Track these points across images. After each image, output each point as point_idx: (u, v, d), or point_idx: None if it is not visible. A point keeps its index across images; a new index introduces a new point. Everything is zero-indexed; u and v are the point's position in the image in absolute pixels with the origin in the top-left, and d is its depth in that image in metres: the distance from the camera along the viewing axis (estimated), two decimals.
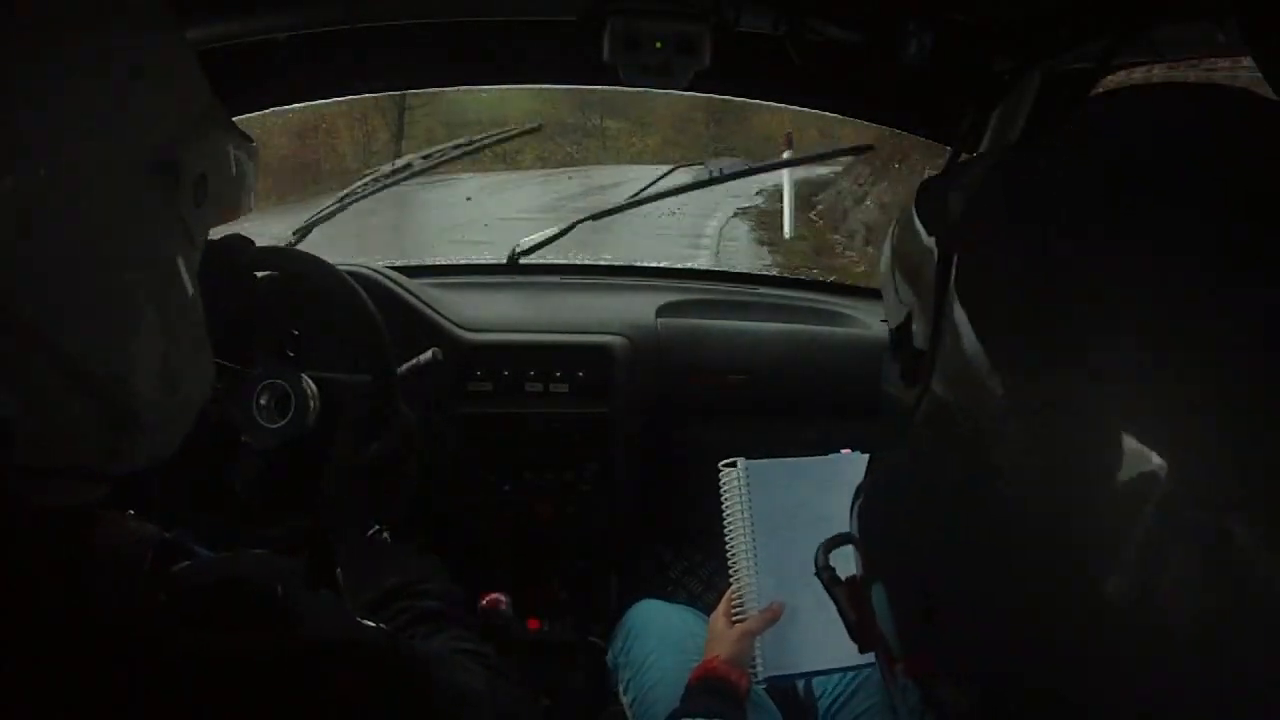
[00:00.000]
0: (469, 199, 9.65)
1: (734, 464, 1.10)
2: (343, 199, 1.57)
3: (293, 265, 1.05)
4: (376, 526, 0.95)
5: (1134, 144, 0.39)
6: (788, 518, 1.07)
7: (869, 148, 1.88)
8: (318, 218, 1.55)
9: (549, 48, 1.31)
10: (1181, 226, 0.34)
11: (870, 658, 0.54)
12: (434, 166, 1.60)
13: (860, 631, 0.49)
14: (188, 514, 1.03)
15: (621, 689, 1.17)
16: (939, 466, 0.40)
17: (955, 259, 0.40)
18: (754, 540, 1.07)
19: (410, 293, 1.45)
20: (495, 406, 1.46)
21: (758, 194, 10.46)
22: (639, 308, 1.59)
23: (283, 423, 1.07)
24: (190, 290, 0.50)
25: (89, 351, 0.44)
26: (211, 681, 0.43)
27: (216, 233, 0.56)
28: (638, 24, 1.05)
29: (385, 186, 1.57)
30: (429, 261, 1.82)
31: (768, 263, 7.51)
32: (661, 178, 1.73)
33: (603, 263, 1.96)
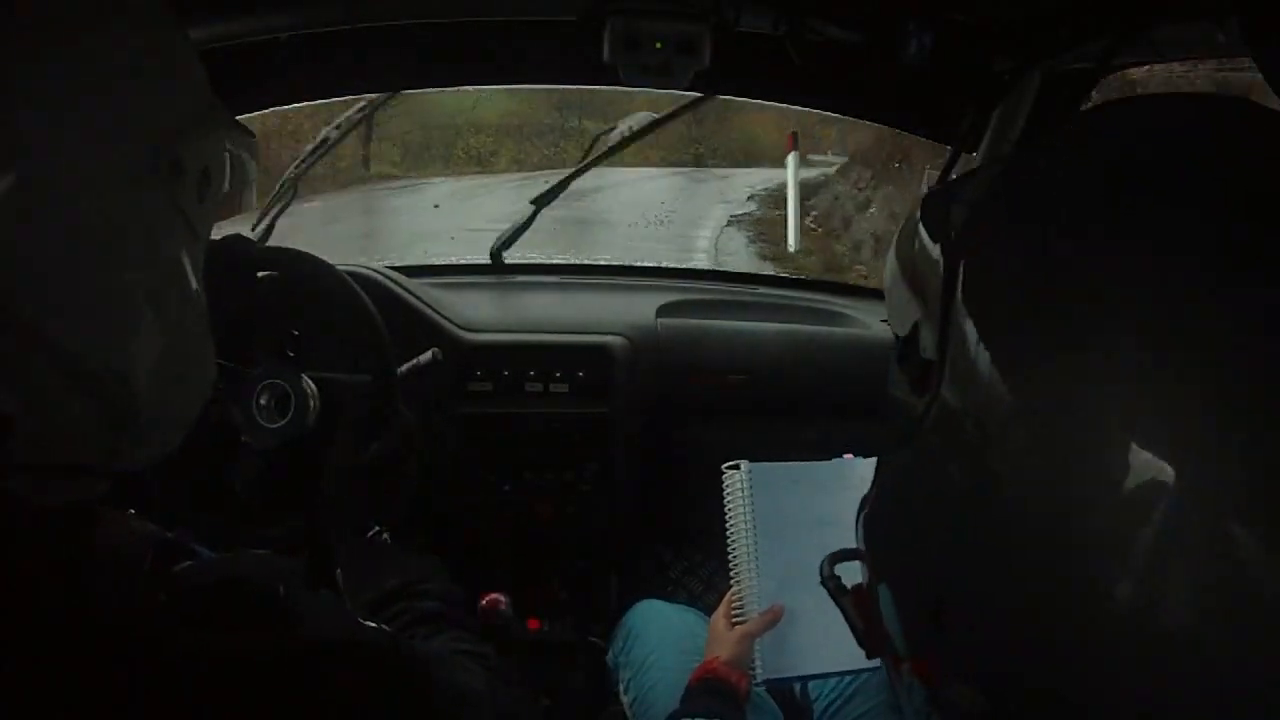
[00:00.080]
0: (437, 206, 9.20)
1: (737, 466, 1.10)
2: (282, 184, 1.58)
3: (294, 265, 1.05)
4: (376, 527, 0.95)
5: (1134, 147, 0.39)
6: (790, 521, 1.07)
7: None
8: (274, 209, 1.56)
9: (549, 48, 1.31)
10: (1182, 229, 0.35)
11: (869, 663, 0.54)
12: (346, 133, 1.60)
13: (868, 638, 0.49)
14: (188, 513, 1.03)
15: (621, 689, 1.17)
16: (948, 471, 0.40)
17: (961, 267, 0.40)
18: (756, 542, 1.07)
19: (410, 293, 1.45)
20: (495, 406, 1.46)
21: (749, 199, 10.10)
22: (639, 308, 1.59)
23: (283, 423, 1.07)
24: (194, 286, 0.50)
25: (89, 349, 0.44)
26: (212, 681, 0.43)
27: (218, 230, 0.57)
28: (638, 24, 1.05)
29: (319, 156, 1.57)
30: (429, 262, 1.82)
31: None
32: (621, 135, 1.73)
33: (602, 263, 1.96)
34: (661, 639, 1.16)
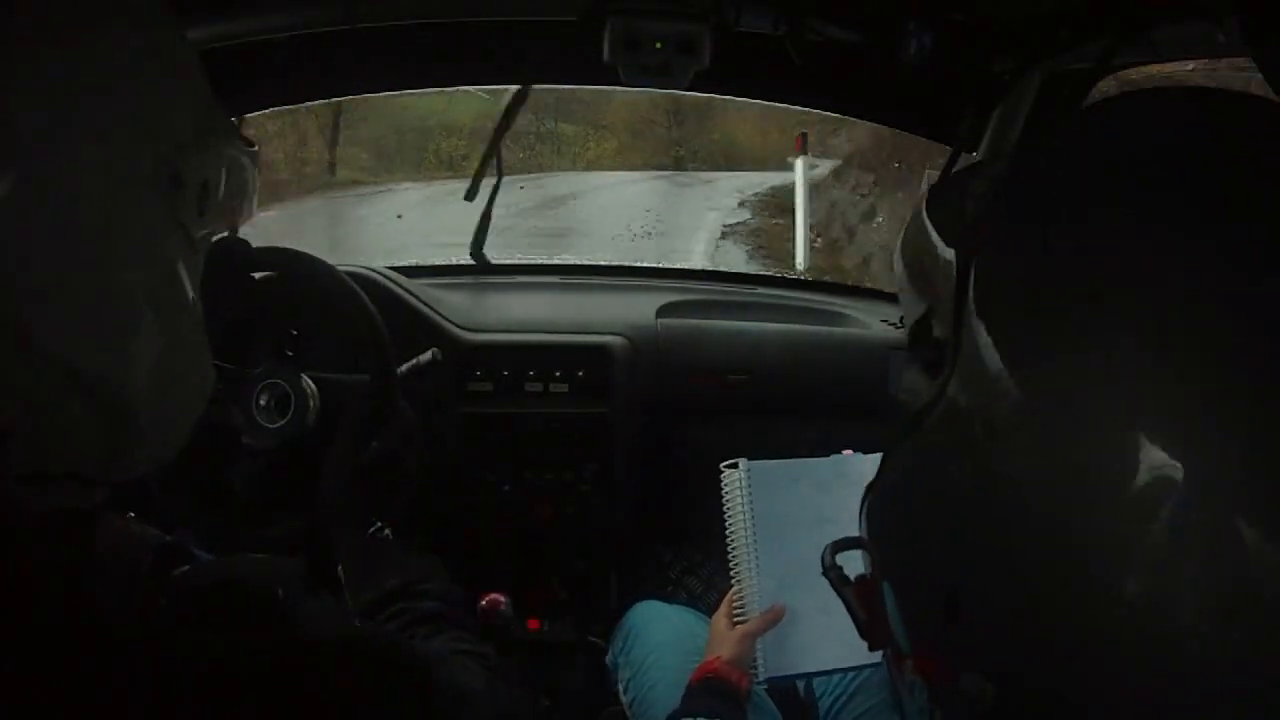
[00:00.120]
0: (400, 217, 8.36)
1: (736, 465, 1.10)
2: None
3: (293, 265, 1.05)
4: (378, 524, 0.95)
5: (1134, 145, 0.39)
6: (789, 519, 1.07)
7: None
8: None
9: (549, 48, 1.31)
10: (1184, 228, 0.35)
11: (871, 658, 0.54)
12: None
13: (871, 630, 0.49)
14: (188, 514, 1.03)
15: (621, 689, 1.17)
16: (956, 469, 0.40)
17: (973, 270, 0.40)
18: (755, 541, 1.07)
19: (410, 293, 1.45)
20: (495, 406, 1.46)
21: (740, 206, 9.49)
22: (639, 308, 1.58)
23: (283, 423, 1.07)
24: (190, 294, 0.50)
25: (86, 356, 0.44)
26: (211, 683, 0.43)
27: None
28: (638, 24, 1.05)
29: None
30: (429, 263, 1.82)
31: None
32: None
33: (602, 263, 1.96)
34: (661, 639, 1.16)
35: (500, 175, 1.56)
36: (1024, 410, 0.36)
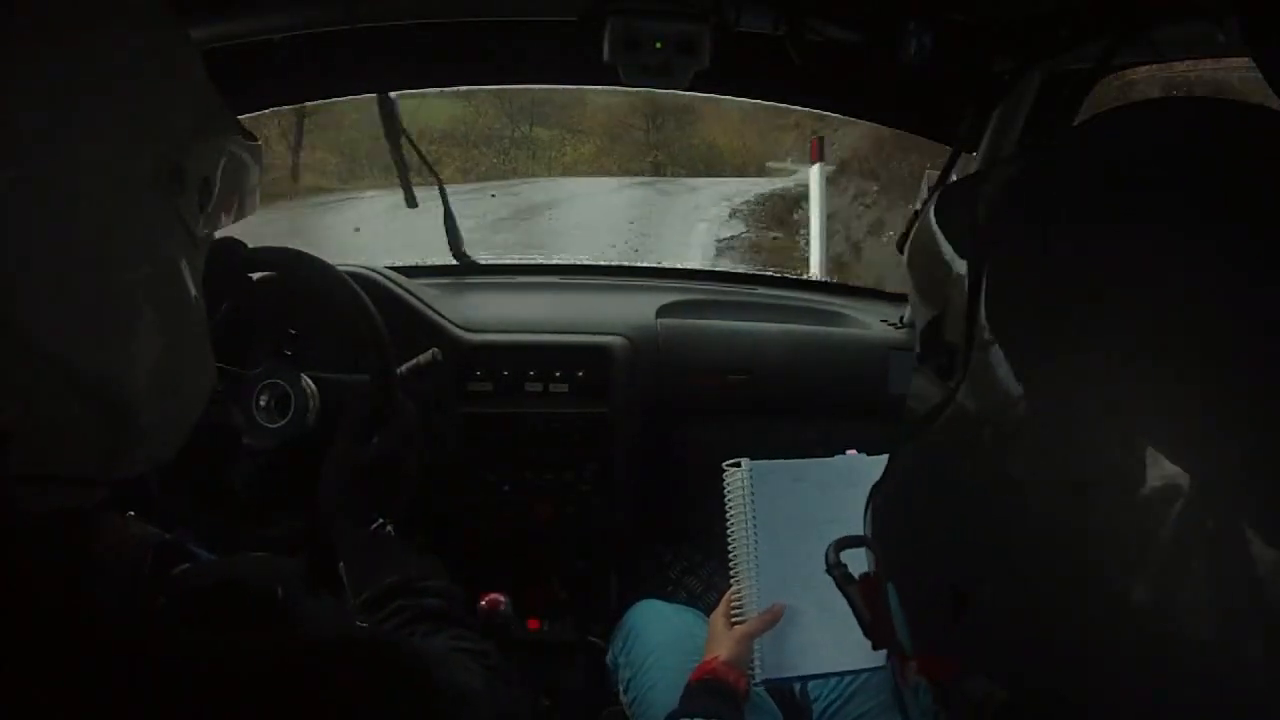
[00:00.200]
0: (357, 230, 7.72)
1: (738, 464, 1.10)
2: None
3: (292, 265, 1.05)
4: (380, 519, 0.95)
5: (1138, 148, 0.39)
6: (791, 519, 1.07)
7: None
8: None
9: (549, 48, 1.31)
10: (1187, 229, 0.35)
11: (868, 662, 0.54)
12: None
13: (875, 630, 0.49)
14: (188, 514, 1.03)
15: (621, 689, 1.17)
16: (963, 471, 0.40)
17: (985, 277, 0.39)
18: (756, 541, 1.07)
19: (410, 293, 1.45)
20: (495, 406, 1.46)
21: (732, 216, 8.84)
22: (639, 308, 1.58)
23: (283, 423, 1.07)
24: (192, 293, 0.50)
25: (87, 356, 0.44)
26: (211, 683, 0.43)
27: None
28: (638, 24, 1.05)
29: None
30: (430, 263, 1.82)
31: None
32: None
33: (602, 263, 1.96)
34: (661, 639, 1.16)
35: (440, 180, 1.62)
36: (1027, 411, 0.36)
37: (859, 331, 1.64)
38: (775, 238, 7.82)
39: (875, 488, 0.50)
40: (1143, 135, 0.40)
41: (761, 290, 1.79)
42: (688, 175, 11.18)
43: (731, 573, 1.09)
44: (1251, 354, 0.32)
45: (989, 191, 0.44)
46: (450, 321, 1.46)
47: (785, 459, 1.11)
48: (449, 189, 1.67)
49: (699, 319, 1.61)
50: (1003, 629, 0.38)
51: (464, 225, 1.67)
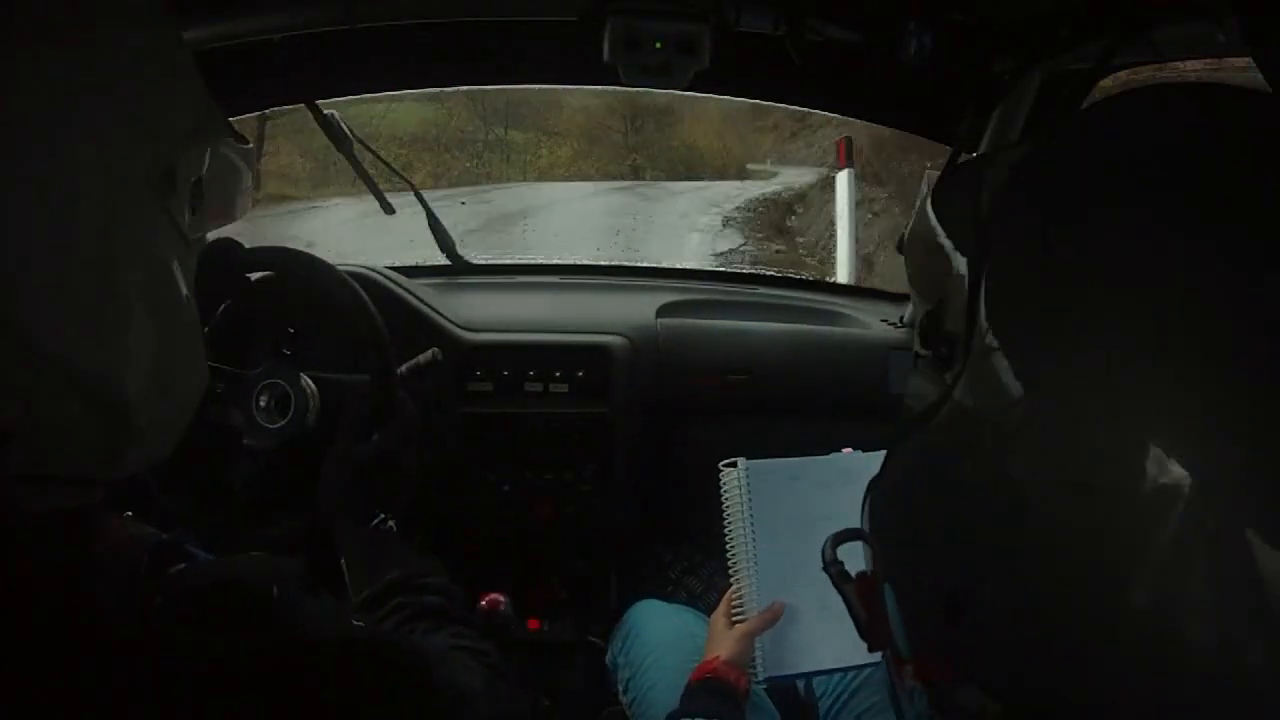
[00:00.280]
0: (310, 245, 5.76)
1: (734, 464, 1.10)
2: None
3: (290, 265, 1.05)
4: (382, 515, 0.95)
5: (1136, 144, 0.39)
6: (788, 518, 1.07)
7: None
8: None
9: (549, 48, 1.31)
10: (1187, 227, 0.34)
11: (870, 658, 0.54)
12: None
13: (871, 630, 0.49)
14: (188, 514, 1.03)
15: (621, 689, 1.17)
16: (962, 469, 0.40)
17: (985, 275, 0.39)
18: (754, 540, 1.07)
19: (410, 293, 1.45)
20: (495, 406, 1.46)
21: (726, 226, 8.14)
22: (639, 308, 1.58)
23: (283, 423, 1.07)
24: (184, 292, 0.50)
25: (86, 356, 0.44)
26: (211, 684, 0.43)
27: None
28: (638, 24, 1.05)
29: None
30: (430, 263, 1.82)
31: None
32: None
33: (602, 263, 1.96)
34: (661, 639, 1.16)
35: (413, 184, 1.62)
36: (1027, 411, 0.36)
37: (859, 331, 1.64)
38: (779, 251, 7.36)
39: (872, 483, 0.50)
40: (1142, 131, 0.39)
41: (761, 290, 1.79)
42: (668, 178, 10.73)
43: (730, 572, 1.09)
44: (1251, 354, 0.32)
45: (991, 182, 0.44)
46: (450, 321, 1.46)
47: (783, 458, 1.11)
48: (412, 197, 1.66)
49: (699, 319, 1.61)
50: (1002, 630, 0.38)
51: (426, 239, 1.65)
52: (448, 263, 1.71)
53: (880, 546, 0.48)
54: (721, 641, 1.03)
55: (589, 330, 1.51)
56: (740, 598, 1.06)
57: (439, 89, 1.93)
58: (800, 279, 2.25)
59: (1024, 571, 0.36)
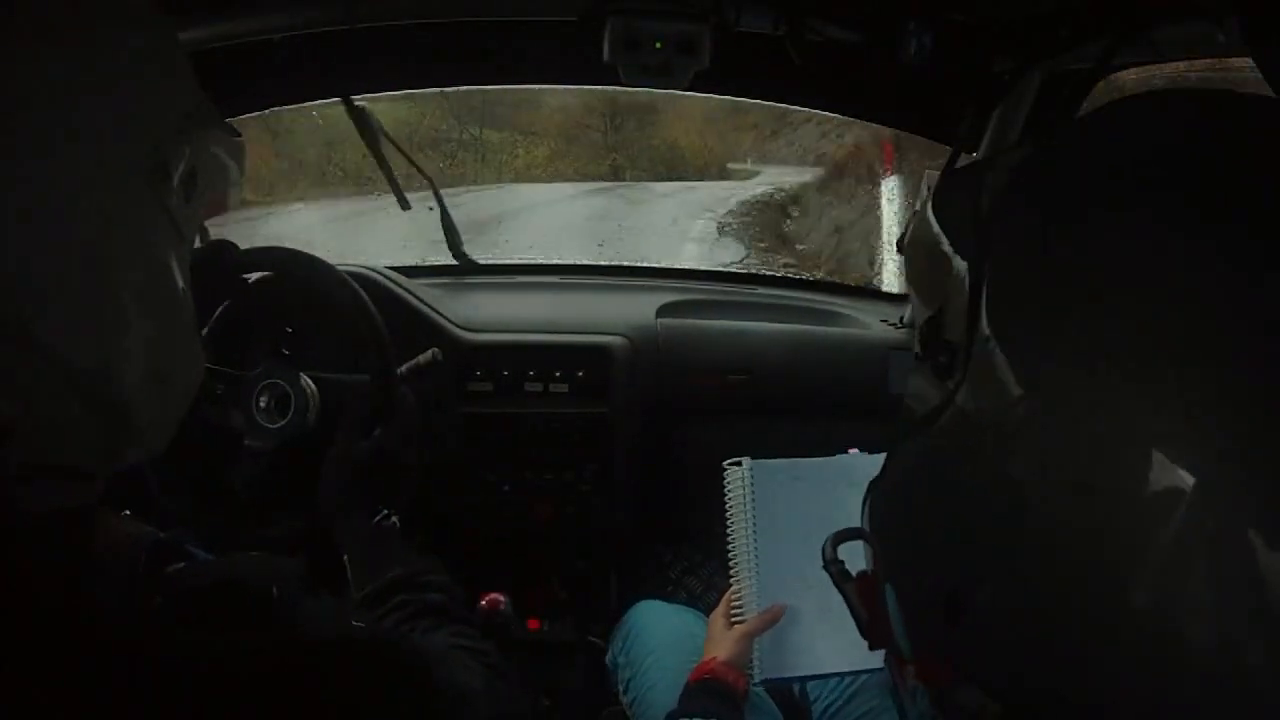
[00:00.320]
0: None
1: (739, 463, 1.10)
2: None
3: (292, 265, 1.05)
4: (384, 511, 0.95)
5: (1137, 146, 0.39)
6: (791, 519, 1.07)
7: None
8: None
9: (549, 48, 1.31)
10: (1187, 228, 0.34)
11: (868, 663, 0.53)
12: None
13: (872, 630, 0.49)
14: (189, 514, 1.03)
15: (621, 689, 1.17)
16: (963, 471, 0.40)
17: (986, 278, 0.39)
18: (756, 541, 1.07)
19: (410, 293, 1.45)
20: (495, 406, 1.46)
21: (722, 232, 7.47)
22: (639, 308, 1.58)
23: (283, 423, 1.07)
24: (180, 284, 0.50)
25: (86, 354, 0.44)
26: (211, 683, 0.43)
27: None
28: (638, 24, 1.05)
29: None
30: (430, 263, 1.82)
31: None
32: None
33: (602, 263, 1.96)
34: (661, 639, 1.16)
35: (433, 181, 1.62)
36: (1027, 411, 0.36)
37: (859, 331, 1.64)
38: (786, 264, 6.78)
39: (873, 484, 0.50)
40: (1143, 134, 0.40)
41: (761, 290, 1.79)
42: (650, 178, 10.20)
43: (731, 572, 1.08)
44: (1251, 354, 0.32)
45: (991, 184, 0.44)
46: (450, 321, 1.46)
47: (787, 458, 1.10)
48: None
49: (699, 319, 1.61)
50: (1002, 630, 0.38)
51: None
52: (449, 263, 1.71)
53: (881, 546, 0.48)
54: (720, 642, 1.03)
55: (589, 330, 1.51)
56: (740, 598, 1.06)
57: (439, 89, 1.92)
58: (800, 279, 2.25)
59: (1024, 572, 0.36)
